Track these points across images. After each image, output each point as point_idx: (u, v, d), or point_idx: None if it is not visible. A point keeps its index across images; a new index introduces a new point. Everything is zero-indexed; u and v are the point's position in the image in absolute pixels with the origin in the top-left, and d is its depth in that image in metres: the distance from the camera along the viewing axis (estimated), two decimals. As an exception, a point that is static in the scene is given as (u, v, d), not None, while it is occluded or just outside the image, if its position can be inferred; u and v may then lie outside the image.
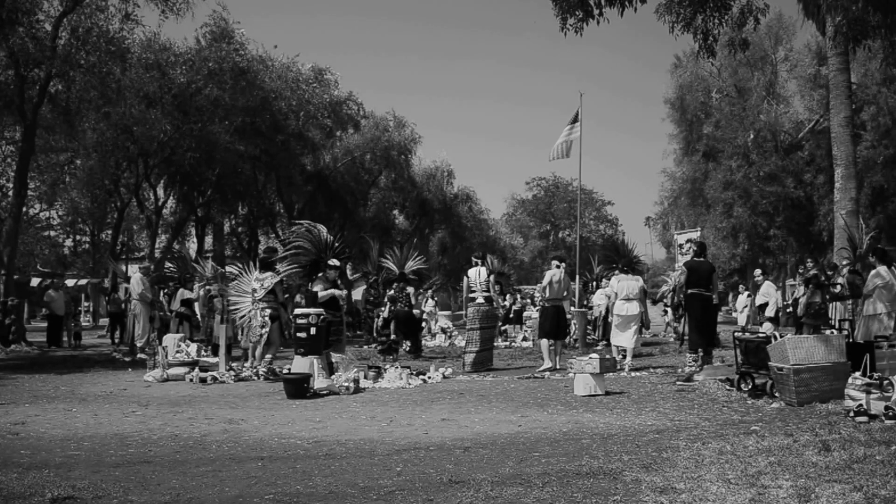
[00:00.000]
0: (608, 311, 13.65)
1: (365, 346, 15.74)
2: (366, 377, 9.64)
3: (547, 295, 11.18)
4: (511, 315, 17.86)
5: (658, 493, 4.00)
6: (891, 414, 5.81)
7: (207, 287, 13.05)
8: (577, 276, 17.45)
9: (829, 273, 13.16)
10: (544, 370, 10.71)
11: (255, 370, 10.22)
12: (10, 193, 21.38)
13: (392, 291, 12.89)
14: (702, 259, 10.49)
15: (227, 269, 12.30)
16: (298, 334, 9.43)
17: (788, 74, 32.58)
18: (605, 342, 14.25)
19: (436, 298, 24.17)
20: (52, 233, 39.70)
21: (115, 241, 29.75)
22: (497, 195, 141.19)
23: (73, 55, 16.47)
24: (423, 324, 22.98)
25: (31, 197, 29.29)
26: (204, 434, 6.11)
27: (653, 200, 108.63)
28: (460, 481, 4.38)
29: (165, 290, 15.02)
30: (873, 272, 9.83)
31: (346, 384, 8.80)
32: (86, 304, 31.91)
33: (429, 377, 10.04)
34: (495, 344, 13.71)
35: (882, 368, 7.08)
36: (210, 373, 10.11)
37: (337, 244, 10.62)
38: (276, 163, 23.88)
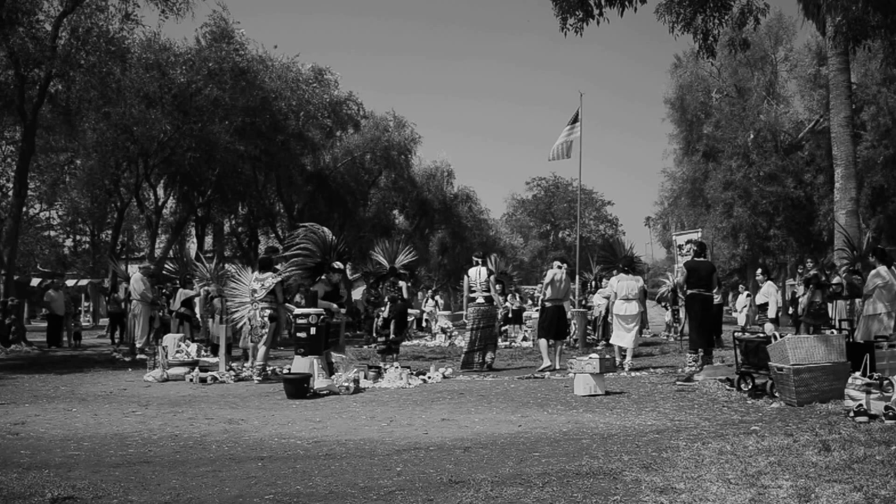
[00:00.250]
0: (608, 311, 13.65)
1: (365, 346, 15.74)
2: (366, 377, 9.64)
3: (549, 294, 11.20)
4: (510, 315, 17.85)
5: (658, 493, 4.00)
6: (891, 414, 5.81)
7: (206, 288, 13.05)
8: (577, 276, 17.45)
9: (828, 273, 13.16)
10: (543, 369, 10.72)
11: (255, 370, 10.20)
12: (10, 193, 21.39)
13: (385, 286, 12.83)
14: (702, 259, 10.49)
15: (227, 267, 12.31)
16: (298, 334, 9.43)
17: (788, 74, 32.62)
18: (605, 342, 14.25)
19: (436, 298, 24.12)
20: (52, 233, 39.72)
21: (115, 241, 29.76)
22: (497, 195, 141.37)
23: (73, 55, 16.48)
24: (424, 323, 23.09)
25: (31, 197, 29.31)
26: (204, 434, 6.11)
27: (653, 200, 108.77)
28: (460, 481, 4.37)
29: (164, 291, 15.02)
30: (873, 272, 9.83)
31: (346, 384, 8.80)
32: (86, 304, 31.92)
33: (429, 377, 10.05)
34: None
35: (882, 368, 7.08)
36: (210, 373, 10.11)
37: (341, 246, 10.60)
38: (276, 163, 23.90)
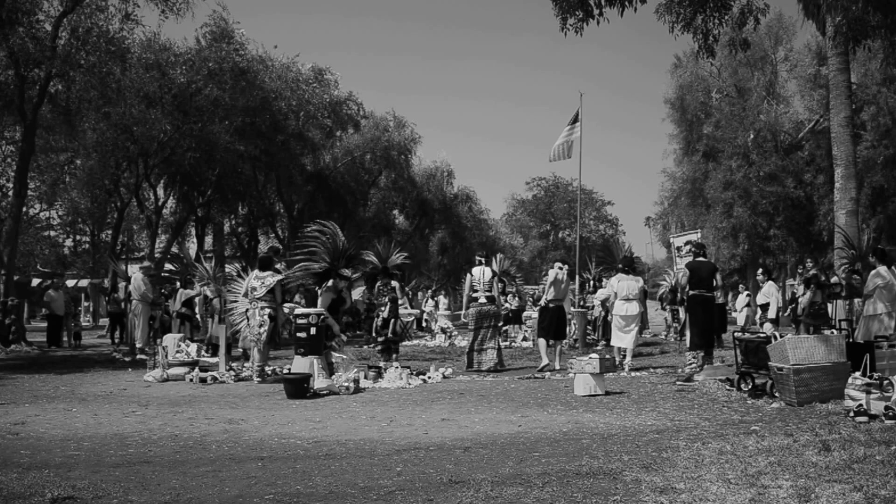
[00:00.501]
0: (608, 311, 13.66)
1: (365, 346, 15.74)
2: (366, 377, 9.65)
3: (552, 295, 11.24)
4: (510, 315, 17.84)
5: (658, 493, 4.00)
6: (891, 414, 5.81)
7: (206, 289, 13.03)
8: (577, 276, 17.46)
9: (827, 272, 13.18)
10: (542, 369, 10.73)
11: (255, 371, 10.19)
12: (10, 193, 21.38)
13: (378, 286, 12.79)
14: (703, 260, 10.49)
15: (227, 268, 12.30)
16: (298, 334, 9.43)
17: (788, 74, 32.62)
18: (604, 342, 14.25)
19: (436, 299, 24.10)
20: (52, 233, 39.69)
21: (115, 241, 29.75)
22: (497, 195, 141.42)
23: (73, 55, 16.48)
24: (424, 323, 23.08)
25: (31, 197, 29.29)
26: (204, 434, 6.11)
27: (653, 200, 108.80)
28: (460, 481, 4.37)
29: (164, 291, 15.01)
30: (873, 272, 9.82)
31: (346, 384, 8.80)
32: (86, 303, 31.93)
33: (429, 377, 10.05)
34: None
35: (882, 368, 7.08)
36: (210, 373, 10.11)
37: (351, 251, 10.60)
38: (276, 163, 23.90)
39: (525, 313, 18.52)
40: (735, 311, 18.86)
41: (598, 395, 8.06)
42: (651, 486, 4.12)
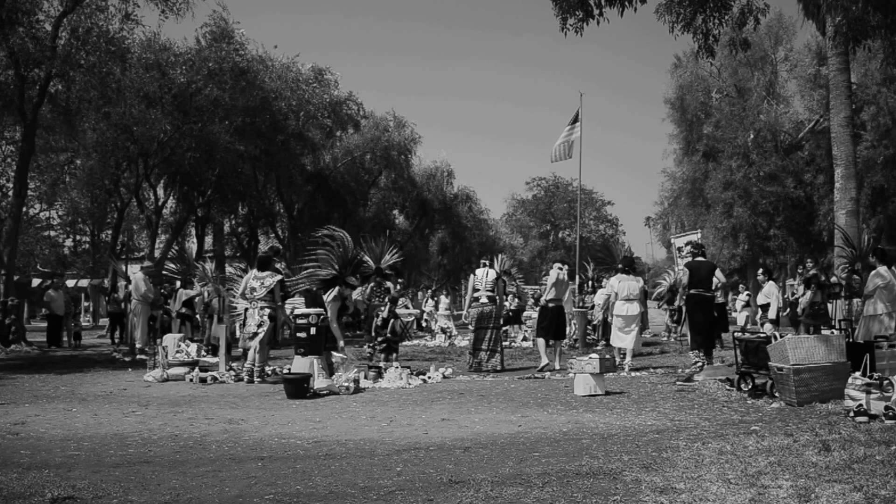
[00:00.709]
0: (608, 311, 13.65)
1: (365, 346, 15.72)
2: (366, 377, 9.65)
3: (554, 295, 11.27)
4: (510, 315, 17.83)
5: (658, 493, 4.00)
6: (891, 414, 5.81)
7: (206, 289, 13.02)
8: (577, 277, 17.46)
9: (826, 272, 13.19)
10: (542, 369, 10.74)
11: (247, 371, 10.16)
12: (10, 193, 21.38)
13: (371, 286, 12.81)
14: (702, 259, 10.51)
15: (228, 269, 12.31)
16: (298, 334, 9.43)
17: (788, 74, 32.61)
18: (604, 342, 14.26)
19: (436, 299, 24.09)
20: (52, 233, 39.70)
21: (115, 241, 29.76)
22: (497, 195, 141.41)
23: (73, 55, 16.47)
24: (424, 323, 23.07)
25: (31, 197, 29.30)
26: (204, 434, 6.11)
27: (653, 200, 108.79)
28: (460, 481, 4.37)
29: (164, 291, 15.01)
30: (873, 272, 9.82)
31: (346, 384, 8.80)
32: (86, 304, 31.91)
33: (429, 377, 10.05)
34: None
35: (882, 368, 7.08)
36: (210, 373, 10.11)
37: (358, 259, 10.65)
38: (276, 163, 23.89)
39: (525, 313, 18.52)
40: (735, 311, 18.87)
41: (598, 395, 8.06)
42: (651, 486, 4.12)
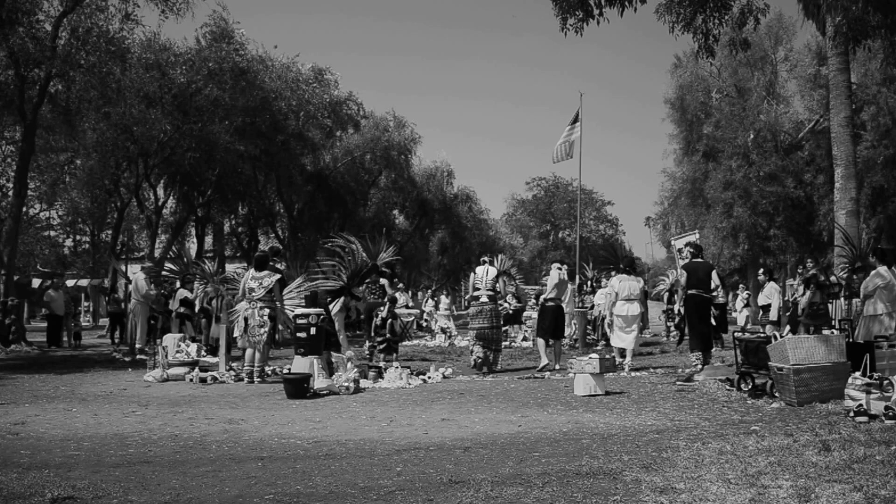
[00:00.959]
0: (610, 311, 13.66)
1: (366, 345, 15.72)
2: (366, 377, 9.65)
3: (555, 294, 11.28)
4: (510, 314, 17.82)
5: (658, 493, 4.00)
6: (891, 414, 5.81)
7: (206, 289, 12.99)
8: (576, 277, 17.46)
9: (826, 272, 13.18)
10: (542, 369, 10.74)
11: (257, 370, 10.16)
12: (10, 193, 21.39)
13: (365, 285, 12.83)
14: (699, 260, 10.51)
15: (228, 269, 12.31)
16: (298, 334, 9.42)
17: (788, 74, 32.58)
18: (604, 342, 14.26)
19: (436, 299, 24.09)
20: (52, 233, 39.71)
21: (115, 241, 29.76)
22: (497, 195, 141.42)
23: (73, 55, 16.47)
24: (424, 323, 23.06)
25: (31, 197, 29.30)
26: (204, 434, 6.11)
27: (653, 200, 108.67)
28: (460, 481, 4.37)
29: (164, 291, 15.00)
30: (874, 272, 9.80)
31: (346, 384, 8.80)
32: (86, 304, 31.91)
33: (429, 377, 10.05)
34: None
35: (882, 368, 7.08)
36: (210, 373, 10.10)
37: (367, 270, 10.71)
38: (276, 163, 23.90)
39: (525, 313, 18.51)
40: (735, 311, 18.89)
41: (598, 395, 8.06)
42: (651, 486, 4.12)
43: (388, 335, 11.27)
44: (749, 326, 15.69)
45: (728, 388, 8.20)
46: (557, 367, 10.93)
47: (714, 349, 12.09)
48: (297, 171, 25.50)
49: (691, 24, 8.68)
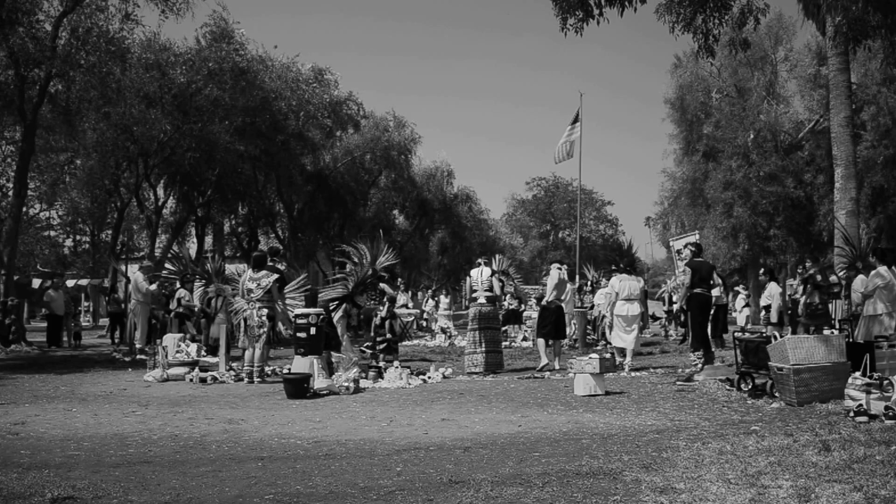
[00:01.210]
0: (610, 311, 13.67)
1: (366, 345, 15.72)
2: (366, 377, 9.65)
3: (556, 295, 11.29)
4: (510, 314, 17.83)
5: (658, 493, 4.00)
6: (891, 414, 5.81)
7: (207, 289, 12.97)
8: (576, 277, 17.46)
9: (825, 272, 13.17)
10: (542, 369, 10.74)
11: (257, 370, 10.15)
12: (10, 193, 21.39)
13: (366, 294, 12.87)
14: (701, 259, 10.52)
15: (229, 269, 12.30)
16: (298, 334, 9.42)
17: (788, 74, 32.55)
18: (604, 342, 14.26)
19: (436, 299, 24.09)
20: (52, 233, 39.72)
21: (115, 241, 29.76)
22: (497, 195, 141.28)
23: (73, 55, 16.47)
24: (424, 323, 23.07)
25: (31, 197, 29.31)
26: (204, 434, 6.11)
27: (653, 200, 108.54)
28: (460, 481, 4.38)
29: (164, 292, 15.00)
30: (874, 272, 9.81)
31: (346, 384, 8.80)
32: (86, 304, 31.91)
33: (429, 377, 10.05)
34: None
35: (882, 368, 7.08)
36: (210, 373, 10.10)
37: (373, 279, 10.78)
38: (276, 163, 23.88)
39: (525, 313, 18.52)
40: (735, 311, 18.88)
41: (598, 395, 8.07)
42: (651, 486, 4.12)
43: (387, 335, 11.27)
44: (749, 326, 15.67)
45: (728, 388, 8.21)
46: (557, 367, 10.93)
47: (714, 349, 12.08)
48: (297, 171, 25.49)
49: (691, 24, 8.67)
